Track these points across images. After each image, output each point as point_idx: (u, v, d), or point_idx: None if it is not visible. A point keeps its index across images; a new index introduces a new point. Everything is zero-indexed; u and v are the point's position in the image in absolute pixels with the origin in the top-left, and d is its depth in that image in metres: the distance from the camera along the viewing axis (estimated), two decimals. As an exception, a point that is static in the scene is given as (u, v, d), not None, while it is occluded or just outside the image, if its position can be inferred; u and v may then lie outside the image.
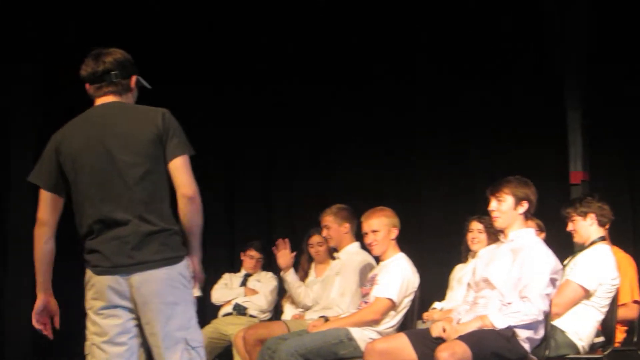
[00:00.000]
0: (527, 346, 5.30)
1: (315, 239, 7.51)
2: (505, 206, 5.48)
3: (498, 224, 5.53)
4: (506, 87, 8.37)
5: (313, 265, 7.55)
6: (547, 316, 5.40)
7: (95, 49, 4.25)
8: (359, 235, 6.69)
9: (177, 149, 4.05)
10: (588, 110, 8.01)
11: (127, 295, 4.01)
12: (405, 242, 6.56)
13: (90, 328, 4.12)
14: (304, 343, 6.02)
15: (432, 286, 7.12)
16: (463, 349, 5.09)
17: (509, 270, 5.40)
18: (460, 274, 6.95)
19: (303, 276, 7.48)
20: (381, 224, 6.30)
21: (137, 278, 3.97)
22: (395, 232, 6.33)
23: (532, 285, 5.28)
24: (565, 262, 6.08)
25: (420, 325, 6.49)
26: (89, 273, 4.10)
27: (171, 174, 4.05)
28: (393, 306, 6.15)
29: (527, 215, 5.57)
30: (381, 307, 6.12)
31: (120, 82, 4.21)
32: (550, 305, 5.43)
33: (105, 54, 4.21)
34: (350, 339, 6.07)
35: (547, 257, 5.43)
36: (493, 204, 5.50)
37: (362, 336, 6.06)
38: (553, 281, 5.40)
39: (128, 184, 4.00)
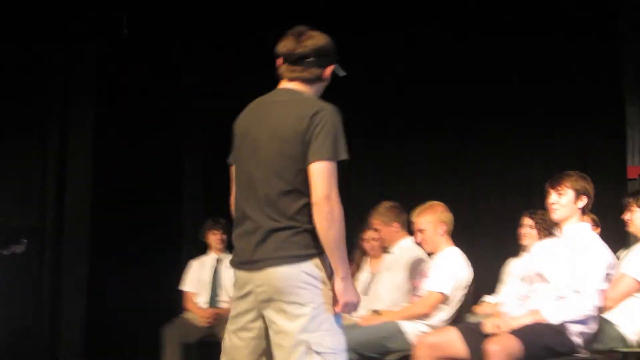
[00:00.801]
0: (578, 340, 5.24)
1: (369, 234, 7.48)
2: (565, 199, 5.42)
3: (557, 216, 5.46)
4: (564, 80, 8.27)
5: (367, 260, 7.52)
6: (600, 310, 5.34)
7: (299, 26, 4.00)
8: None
9: (316, 153, 3.74)
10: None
11: (251, 292, 3.87)
12: (458, 236, 6.52)
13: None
14: (355, 336, 5.97)
15: (483, 280, 7.06)
16: (513, 342, 5.06)
17: (564, 265, 5.35)
18: (513, 268, 6.89)
19: (356, 270, 7.46)
20: (427, 222, 6.28)
21: (258, 275, 3.81)
22: (443, 227, 6.28)
23: (587, 281, 5.23)
24: (620, 255, 6.01)
25: (471, 319, 6.44)
26: None
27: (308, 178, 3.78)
28: (444, 300, 6.11)
29: (585, 210, 5.51)
30: (432, 301, 6.09)
31: (314, 70, 3.97)
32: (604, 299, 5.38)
33: (307, 36, 3.96)
34: (401, 332, 6.04)
35: (603, 252, 5.38)
36: (553, 197, 5.44)
37: (413, 330, 6.03)
38: (608, 276, 5.35)
39: (264, 179, 3.83)
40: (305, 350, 3.73)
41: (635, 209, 6.21)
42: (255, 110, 4.01)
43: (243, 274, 3.89)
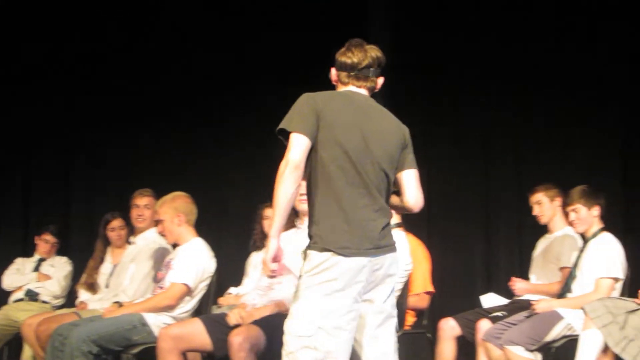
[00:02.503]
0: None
1: (116, 222, 7.38)
2: None
3: (305, 207, 5.54)
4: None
5: (109, 250, 7.41)
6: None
7: (355, 39, 4.30)
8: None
9: (414, 162, 4.31)
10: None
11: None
12: (205, 228, 6.52)
13: None
14: (97, 329, 5.89)
15: (229, 271, 7.08)
16: (257, 333, 5.13)
17: (306, 256, 5.42)
18: (257, 260, 6.94)
19: (98, 262, 7.33)
20: (164, 213, 6.26)
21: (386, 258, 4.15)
22: (182, 218, 6.23)
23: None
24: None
25: (215, 310, 6.46)
26: None
27: (402, 182, 4.28)
28: (189, 291, 6.09)
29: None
30: (176, 293, 6.05)
31: (375, 80, 4.29)
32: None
33: (369, 48, 4.27)
34: (144, 324, 5.97)
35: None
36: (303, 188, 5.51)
37: (156, 321, 5.98)
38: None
39: (370, 176, 4.10)
40: None
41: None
42: (351, 106, 4.18)
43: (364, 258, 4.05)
